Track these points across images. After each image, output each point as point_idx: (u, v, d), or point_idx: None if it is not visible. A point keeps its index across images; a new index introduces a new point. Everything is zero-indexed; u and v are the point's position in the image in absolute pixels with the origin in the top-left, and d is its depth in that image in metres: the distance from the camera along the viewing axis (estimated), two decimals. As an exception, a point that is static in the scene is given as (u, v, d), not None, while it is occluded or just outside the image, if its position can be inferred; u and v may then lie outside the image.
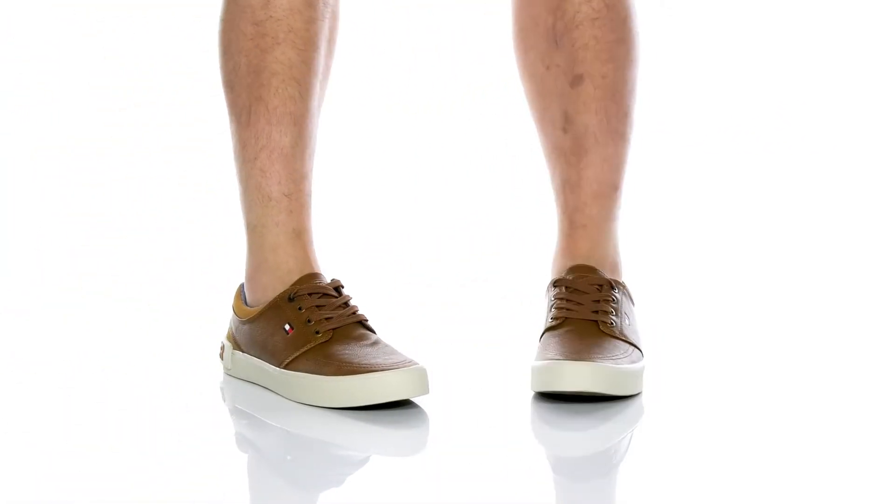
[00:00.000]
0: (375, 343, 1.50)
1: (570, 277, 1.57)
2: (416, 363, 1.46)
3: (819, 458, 1.33)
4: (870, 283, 2.27)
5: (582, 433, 1.42)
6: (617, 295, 1.56)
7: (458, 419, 1.47)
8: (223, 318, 1.64)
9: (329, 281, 1.56)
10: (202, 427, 1.45)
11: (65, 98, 3.09)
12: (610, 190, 1.61)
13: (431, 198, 2.67)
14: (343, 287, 1.56)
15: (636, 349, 1.54)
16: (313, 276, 1.55)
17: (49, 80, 3.10)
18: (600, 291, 1.56)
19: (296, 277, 1.55)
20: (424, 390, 1.46)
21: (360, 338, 1.51)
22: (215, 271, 2.43)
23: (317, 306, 1.53)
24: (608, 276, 1.59)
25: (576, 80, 1.58)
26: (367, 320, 1.54)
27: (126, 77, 3.11)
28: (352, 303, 1.55)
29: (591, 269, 1.58)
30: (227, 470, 1.31)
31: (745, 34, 3.06)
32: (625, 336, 1.54)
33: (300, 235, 1.58)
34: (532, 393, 1.51)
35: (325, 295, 1.54)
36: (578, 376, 1.46)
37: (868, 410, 1.50)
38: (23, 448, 1.38)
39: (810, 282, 2.29)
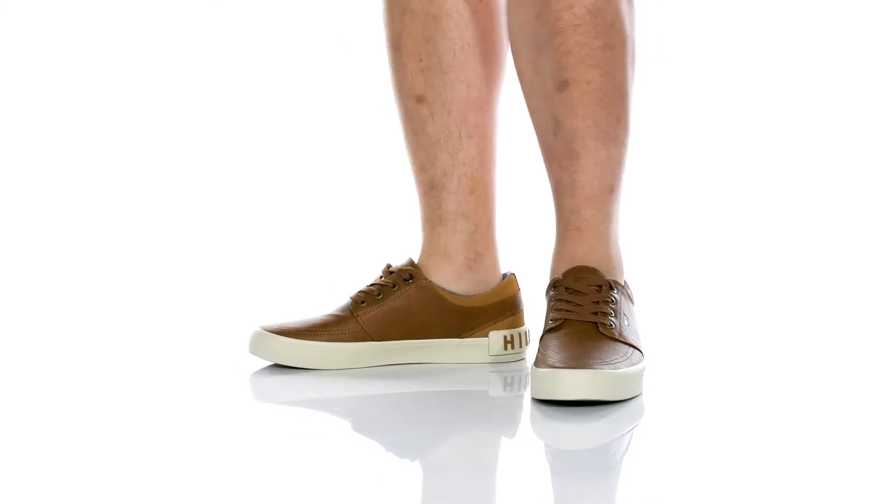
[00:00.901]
0: (328, 313, 1.69)
1: (569, 279, 1.57)
2: (264, 329, 1.66)
3: (818, 458, 1.33)
4: (868, 281, 2.27)
5: (581, 430, 1.42)
6: (616, 295, 1.56)
7: (459, 416, 1.47)
8: (222, 317, 1.65)
9: (407, 265, 1.71)
10: (201, 427, 1.46)
11: (65, 98, 3.10)
12: (604, 193, 1.59)
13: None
14: (405, 277, 1.70)
15: (636, 350, 1.54)
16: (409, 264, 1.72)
17: (49, 80, 3.11)
18: (599, 292, 1.55)
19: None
20: (252, 350, 1.67)
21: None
22: (215, 270, 2.44)
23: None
24: (607, 276, 1.59)
25: (561, 86, 1.56)
26: (359, 300, 1.69)
27: (126, 77, 3.11)
28: (378, 285, 1.70)
29: (591, 270, 1.57)
30: (232, 469, 1.32)
31: (747, 36, 3.06)
32: (624, 337, 1.53)
33: (426, 220, 1.74)
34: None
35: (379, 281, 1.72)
36: (578, 384, 1.46)
37: (867, 409, 1.50)
38: (23, 449, 1.38)
39: (810, 281, 2.29)
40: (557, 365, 1.47)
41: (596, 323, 1.53)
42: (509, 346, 1.72)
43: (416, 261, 1.72)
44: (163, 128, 3.08)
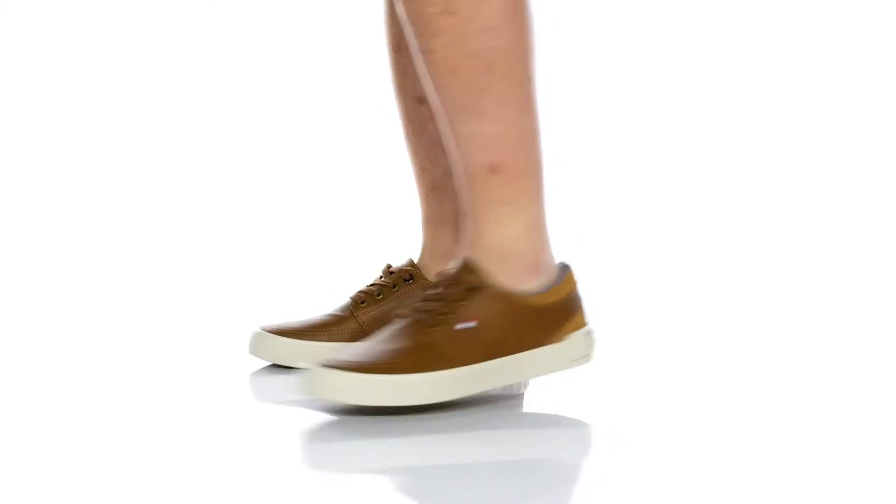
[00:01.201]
0: (328, 313, 1.68)
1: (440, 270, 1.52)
2: (264, 329, 1.64)
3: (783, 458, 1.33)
4: (854, 279, 2.26)
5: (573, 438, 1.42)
6: (446, 293, 1.46)
7: (456, 417, 1.47)
8: (222, 317, 1.65)
9: (405, 265, 1.67)
10: (196, 428, 1.46)
11: (65, 98, 3.10)
12: (483, 173, 1.46)
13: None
14: (405, 278, 1.67)
15: (422, 357, 1.44)
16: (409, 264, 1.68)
17: (49, 80, 3.11)
18: (436, 289, 1.48)
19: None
20: (252, 350, 1.66)
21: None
22: (215, 271, 2.44)
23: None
24: (481, 273, 1.46)
25: (416, 55, 1.48)
26: (359, 300, 1.66)
27: (126, 77, 3.11)
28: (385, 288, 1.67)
29: (458, 265, 1.47)
30: (230, 470, 1.32)
31: (737, 33, 3.06)
32: (421, 340, 1.45)
33: (426, 221, 1.69)
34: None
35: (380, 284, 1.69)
36: (313, 384, 1.44)
37: (828, 401, 1.50)
38: (22, 449, 1.38)
39: (801, 280, 2.29)
40: (315, 364, 1.44)
41: (410, 318, 1.47)
42: None
43: (416, 261, 1.72)
44: (163, 128, 3.08)
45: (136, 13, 3.13)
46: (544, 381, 1.57)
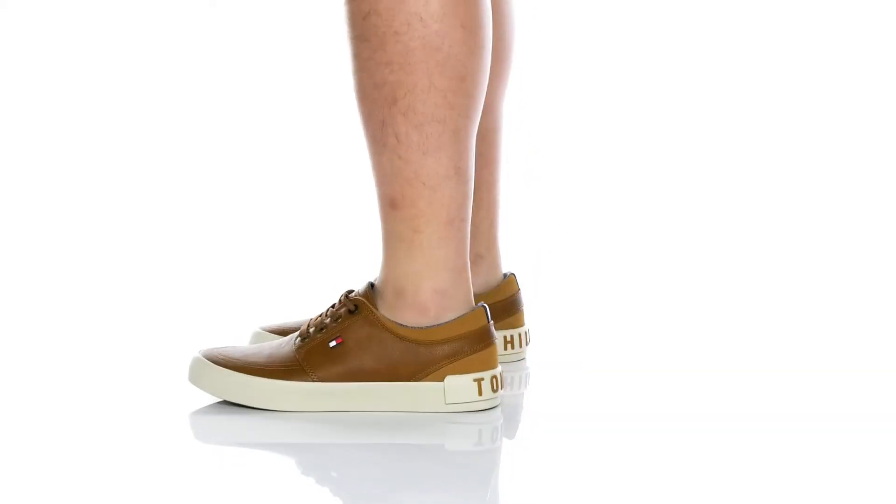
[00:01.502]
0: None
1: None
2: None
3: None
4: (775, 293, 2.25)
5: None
6: (335, 312, 1.47)
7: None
8: (221, 317, 1.64)
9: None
10: (190, 431, 1.46)
11: (65, 98, 3.10)
12: (385, 205, 1.47)
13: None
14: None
15: (287, 366, 1.45)
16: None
17: (49, 80, 3.11)
18: (332, 308, 1.48)
19: None
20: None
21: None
22: (215, 271, 2.44)
23: None
24: (376, 304, 1.46)
25: None
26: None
27: (126, 77, 3.11)
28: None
29: (364, 290, 1.48)
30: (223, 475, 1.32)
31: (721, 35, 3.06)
32: (297, 350, 1.46)
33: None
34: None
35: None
36: (191, 373, 1.49)
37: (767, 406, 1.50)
38: (18, 451, 1.38)
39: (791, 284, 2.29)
40: (204, 352, 1.49)
41: (300, 332, 1.49)
42: (509, 346, 1.71)
43: None
44: (162, 128, 3.08)
45: (136, 13, 3.12)
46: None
